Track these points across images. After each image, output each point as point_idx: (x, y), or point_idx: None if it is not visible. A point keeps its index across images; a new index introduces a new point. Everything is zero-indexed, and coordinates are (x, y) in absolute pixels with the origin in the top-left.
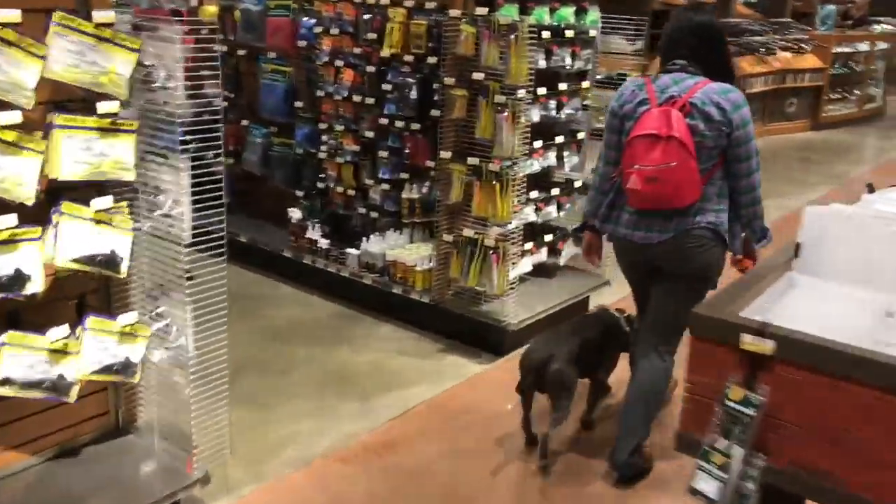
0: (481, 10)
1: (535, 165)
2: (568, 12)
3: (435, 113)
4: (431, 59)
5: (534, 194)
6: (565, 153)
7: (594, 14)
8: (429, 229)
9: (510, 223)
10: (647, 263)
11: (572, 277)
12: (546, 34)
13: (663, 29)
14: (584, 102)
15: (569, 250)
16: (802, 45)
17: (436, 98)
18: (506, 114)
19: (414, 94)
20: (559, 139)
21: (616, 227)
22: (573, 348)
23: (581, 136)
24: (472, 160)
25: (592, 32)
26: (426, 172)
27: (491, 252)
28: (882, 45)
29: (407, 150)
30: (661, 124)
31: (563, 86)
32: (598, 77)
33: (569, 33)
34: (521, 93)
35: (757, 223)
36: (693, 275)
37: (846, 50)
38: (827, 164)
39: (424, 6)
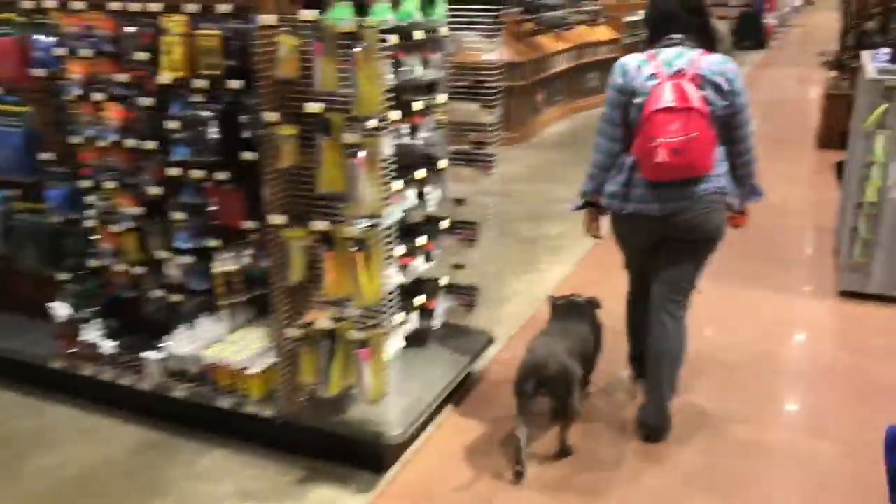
0: (308, 15)
1: (395, 214)
2: (412, 6)
3: (249, 155)
4: (235, 83)
5: (397, 250)
6: (426, 188)
7: (441, 6)
8: (259, 307)
9: (383, 302)
10: (659, 234)
11: (449, 341)
12: (392, 38)
13: (650, 5)
14: (438, 120)
15: (443, 305)
16: (596, 17)
17: (247, 134)
18: (361, 156)
19: (213, 132)
20: (419, 173)
21: (627, 202)
22: (572, 344)
23: (442, 163)
24: (317, 224)
25: (443, 30)
26: (244, 235)
27: (358, 349)
28: None
29: (212, 208)
30: (678, 97)
31: (417, 104)
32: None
33: (418, 34)
34: (375, 122)
35: (751, 182)
36: (707, 238)
37: (633, 18)
38: None
39: (214, 11)
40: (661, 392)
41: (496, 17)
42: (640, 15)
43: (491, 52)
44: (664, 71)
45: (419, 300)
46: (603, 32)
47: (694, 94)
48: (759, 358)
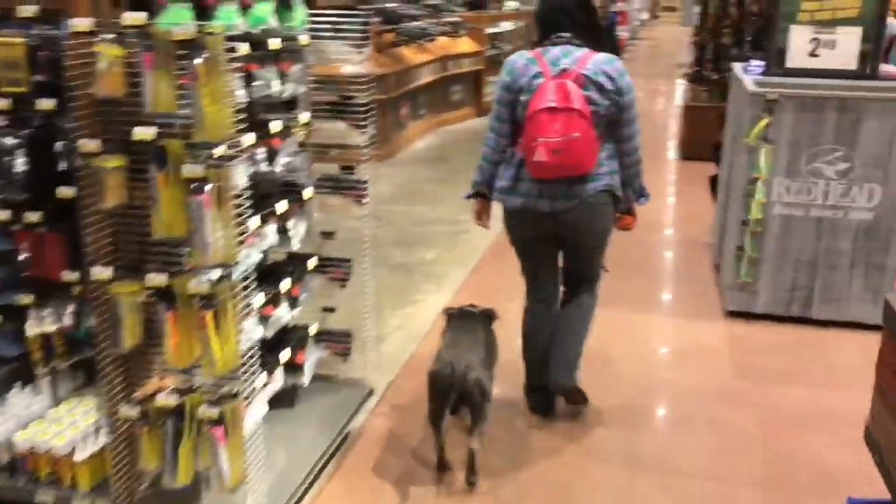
0: (132, 19)
1: (252, 257)
2: (266, 10)
3: (67, 192)
4: (46, 103)
5: (255, 300)
6: (290, 222)
7: (300, 11)
8: (87, 372)
9: (240, 366)
10: (548, 230)
11: (322, 398)
12: (242, 48)
13: (539, 3)
14: (301, 142)
15: (313, 357)
16: (458, 29)
17: (64, 166)
18: (207, 191)
19: (20, 164)
20: (280, 205)
21: (516, 197)
22: (482, 354)
23: (308, 193)
24: (153, 277)
25: (303, 39)
26: (65, 289)
27: (211, 426)
28: (521, 23)
29: (23, 256)
30: (560, 97)
31: (274, 124)
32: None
33: (273, 43)
34: (223, 149)
35: (638, 182)
36: (596, 236)
37: (494, 30)
38: None
39: (16, 15)
40: (568, 355)
41: (364, 24)
42: (500, 27)
43: (359, 63)
44: (550, 70)
45: (285, 355)
46: (465, 44)
47: (577, 94)
48: (653, 390)
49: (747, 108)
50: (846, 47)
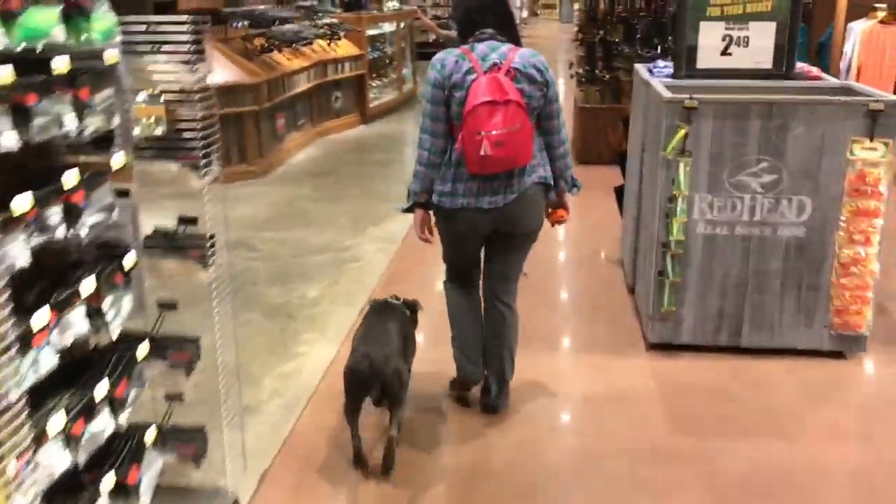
0: None
1: (42, 364)
2: (45, 19)
3: None
4: None
5: (55, 422)
6: (107, 300)
7: (104, 19)
8: None
9: None
10: (488, 227)
11: None
12: (3, 73)
13: (458, 2)
14: (119, 190)
15: (152, 470)
16: (336, 31)
17: None
18: None
19: None
20: (87, 283)
21: (456, 198)
22: (399, 344)
23: (130, 258)
24: None
25: (110, 56)
26: None
27: None
28: (403, 23)
29: None
30: (495, 90)
31: (70, 176)
32: (155, 133)
33: (60, 65)
34: None
35: (569, 173)
36: (530, 231)
37: (375, 32)
38: (400, 163)
39: None
40: (506, 376)
41: (197, 32)
42: (382, 28)
43: (195, 82)
44: (480, 65)
45: (108, 481)
46: (345, 48)
47: (510, 87)
48: (580, 452)
49: (662, 116)
50: (760, 44)
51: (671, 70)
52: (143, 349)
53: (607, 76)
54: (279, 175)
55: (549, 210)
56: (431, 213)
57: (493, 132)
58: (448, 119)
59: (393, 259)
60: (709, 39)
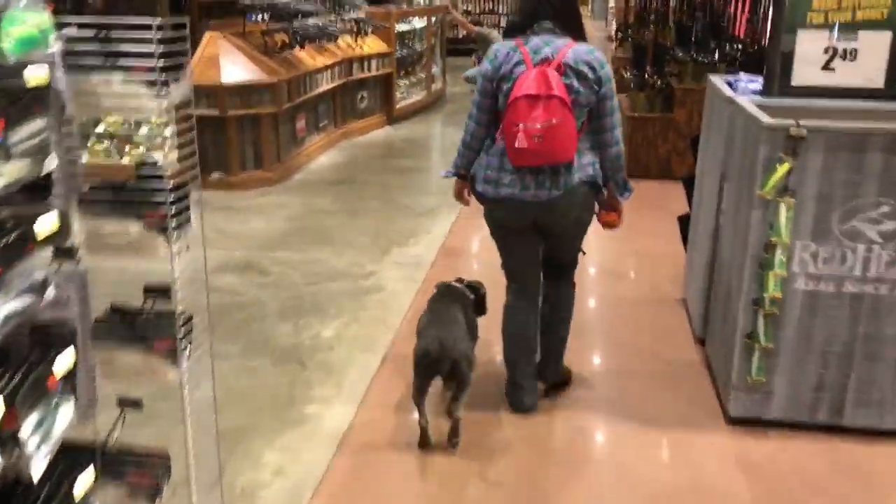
0: None
1: None
2: None
3: None
4: None
5: None
6: (31, 415)
7: (30, 20)
8: None
9: None
10: (530, 220)
11: None
12: None
13: None
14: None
15: None
16: (363, 26)
17: None
18: None
19: None
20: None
21: (500, 187)
22: (463, 327)
23: (67, 358)
24: None
25: (36, 75)
26: None
27: None
28: (434, 18)
29: None
30: (540, 84)
31: None
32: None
33: None
34: None
35: (620, 175)
36: (576, 226)
37: (404, 28)
38: (427, 172)
39: None
40: (558, 352)
41: (177, 37)
42: (411, 24)
43: (165, 110)
44: (531, 58)
45: None
46: (372, 44)
47: (557, 82)
48: None
49: (757, 146)
50: (871, 58)
51: (758, 86)
52: (85, 478)
53: (658, 82)
54: (298, 182)
55: (601, 213)
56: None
57: (531, 125)
58: (493, 110)
59: (420, 290)
60: (808, 51)
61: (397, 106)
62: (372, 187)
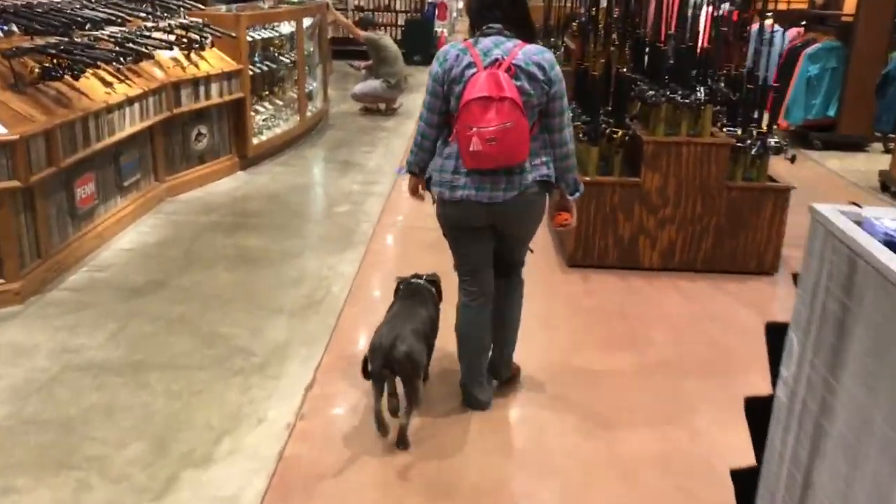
0: None
1: None
2: None
3: None
4: None
5: None
6: None
7: None
8: None
9: None
10: (484, 222)
11: None
12: None
13: None
14: None
15: None
16: (197, 35)
17: None
18: None
19: None
20: None
21: (455, 189)
22: (416, 326)
23: None
24: None
25: None
26: None
27: None
28: (308, 21)
29: None
30: (492, 87)
31: None
32: None
33: None
34: None
35: (571, 175)
36: (529, 227)
37: (263, 35)
38: (287, 260)
39: None
40: (509, 349)
41: None
42: (276, 31)
43: None
44: (481, 60)
45: None
46: (214, 61)
47: (508, 84)
48: None
49: None
50: None
51: None
52: None
53: (618, 132)
54: (65, 294)
55: (553, 213)
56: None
57: (485, 128)
58: (444, 112)
59: None
60: None
61: (254, 142)
62: (188, 301)
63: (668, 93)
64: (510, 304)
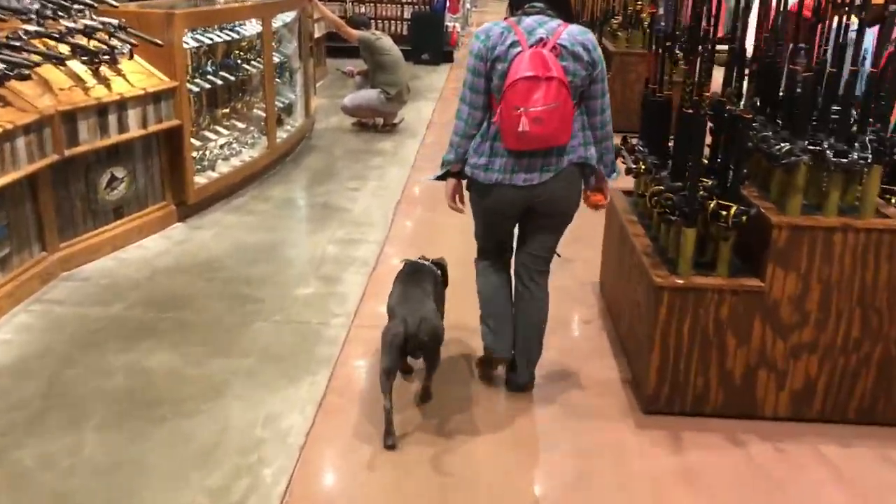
0: None
1: None
2: None
3: None
4: None
5: None
6: None
7: None
8: None
9: None
10: (522, 205)
11: None
12: None
13: None
14: None
15: None
16: (106, 43)
17: None
18: None
19: None
20: None
21: (491, 173)
22: (433, 305)
23: None
24: None
25: None
26: None
27: None
28: (285, 19)
29: None
30: (538, 66)
31: None
32: None
33: None
34: None
35: (609, 157)
36: (564, 212)
37: (216, 38)
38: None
39: None
40: (532, 356)
41: None
42: (236, 31)
43: None
44: (526, 39)
45: None
46: (135, 77)
47: (555, 63)
48: None
49: None
50: None
51: None
52: None
53: (728, 207)
54: None
55: (588, 193)
56: (465, 183)
57: (532, 108)
58: (488, 91)
59: None
60: None
61: (199, 181)
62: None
63: (811, 145)
64: (535, 315)
